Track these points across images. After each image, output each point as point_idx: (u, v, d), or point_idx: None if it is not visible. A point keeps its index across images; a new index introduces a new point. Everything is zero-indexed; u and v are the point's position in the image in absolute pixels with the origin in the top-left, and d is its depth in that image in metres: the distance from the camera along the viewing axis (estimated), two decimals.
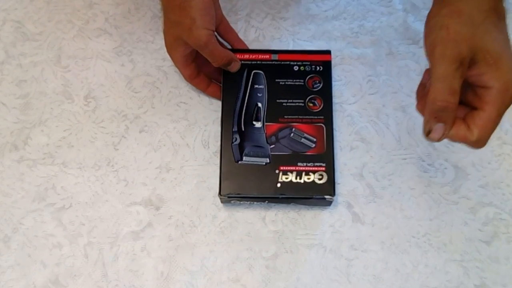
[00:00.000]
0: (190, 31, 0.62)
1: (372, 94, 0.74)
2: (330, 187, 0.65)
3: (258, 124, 0.67)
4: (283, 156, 0.66)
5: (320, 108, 0.68)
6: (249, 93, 0.69)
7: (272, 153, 0.66)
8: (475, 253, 0.66)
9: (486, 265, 0.66)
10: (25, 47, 0.78)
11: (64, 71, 0.77)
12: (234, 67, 0.69)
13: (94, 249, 0.68)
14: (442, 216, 0.68)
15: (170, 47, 0.68)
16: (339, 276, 0.66)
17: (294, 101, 0.68)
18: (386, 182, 0.70)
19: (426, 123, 0.49)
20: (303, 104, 0.68)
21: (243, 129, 0.67)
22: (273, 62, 0.70)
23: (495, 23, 0.46)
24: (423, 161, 0.70)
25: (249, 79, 0.69)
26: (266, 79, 0.69)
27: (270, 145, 0.67)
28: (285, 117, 0.68)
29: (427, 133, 0.49)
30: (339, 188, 0.69)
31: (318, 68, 0.70)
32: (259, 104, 0.68)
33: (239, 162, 0.66)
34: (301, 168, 0.66)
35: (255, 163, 0.66)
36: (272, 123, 0.68)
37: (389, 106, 0.73)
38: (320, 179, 0.65)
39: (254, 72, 0.69)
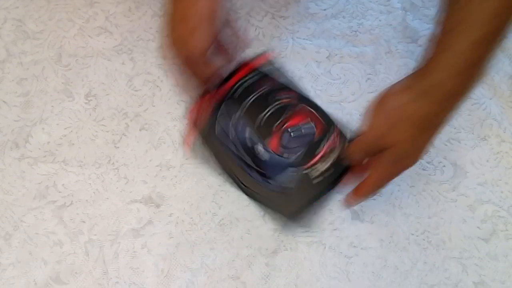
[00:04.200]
0: (194, 32, 0.60)
1: (371, 92, 0.74)
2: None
3: (262, 151, 0.67)
4: (300, 155, 0.66)
5: (291, 96, 0.68)
6: (234, 129, 0.67)
7: (290, 160, 0.66)
8: (474, 250, 0.67)
9: (484, 262, 0.66)
10: (26, 46, 0.78)
11: (64, 69, 0.77)
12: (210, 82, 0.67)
13: (95, 247, 0.68)
14: (441, 214, 0.68)
15: (171, 49, 0.64)
16: (338, 274, 0.66)
17: (268, 108, 0.68)
18: None
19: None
20: (278, 105, 0.68)
21: (257, 166, 0.66)
22: (231, 91, 0.69)
23: (425, 130, 0.56)
24: (422, 159, 0.71)
25: (225, 113, 0.67)
26: (235, 107, 0.68)
27: (284, 156, 0.66)
28: (274, 125, 0.67)
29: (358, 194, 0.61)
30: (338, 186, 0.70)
31: (258, 74, 0.69)
32: (247, 133, 0.67)
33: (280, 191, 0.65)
34: (321, 153, 0.66)
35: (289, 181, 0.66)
36: (269, 138, 0.67)
37: None
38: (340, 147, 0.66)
39: (224, 104, 0.68)
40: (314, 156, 0.65)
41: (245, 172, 0.65)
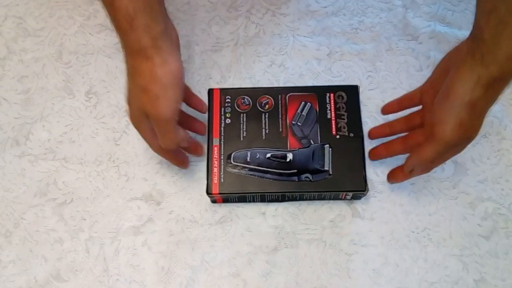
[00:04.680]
0: (157, 101, 0.56)
1: (372, 89, 0.74)
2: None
3: (282, 154, 0.67)
4: (318, 133, 0.68)
5: (267, 97, 0.70)
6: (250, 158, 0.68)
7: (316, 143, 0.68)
8: (474, 248, 0.67)
9: (485, 259, 0.66)
10: (26, 43, 0.78)
11: (65, 66, 0.77)
12: (183, 145, 0.64)
13: (95, 244, 0.68)
14: (442, 211, 0.68)
15: (136, 119, 0.61)
16: (339, 271, 0.66)
17: (263, 121, 0.69)
18: (385, 177, 0.70)
19: (410, 165, 0.63)
20: (267, 112, 0.70)
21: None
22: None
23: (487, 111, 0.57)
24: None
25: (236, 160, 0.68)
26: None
27: (305, 145, 0.68)
28: (280, 129, 0.69)
29: (409, 171, 0.64)
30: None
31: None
32: (259, 154, 0.68)
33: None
34: (333, 116, 0.69)
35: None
36: (285, 141, 0.68)
37: (389, 101, 0.73)
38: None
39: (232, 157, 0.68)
40: (330, 121, 0.68)
41: (287, 182, 0.66)
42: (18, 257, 0.68)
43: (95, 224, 0.69)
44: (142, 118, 0.59)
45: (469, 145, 0.70)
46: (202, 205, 0.69)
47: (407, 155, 0.63)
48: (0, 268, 0.67)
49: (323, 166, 0.66)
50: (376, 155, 0.69)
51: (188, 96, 0.68)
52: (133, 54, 0.56)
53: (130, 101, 0.60)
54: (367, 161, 0.69)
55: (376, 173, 0.70)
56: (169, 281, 0.66)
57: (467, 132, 0.56)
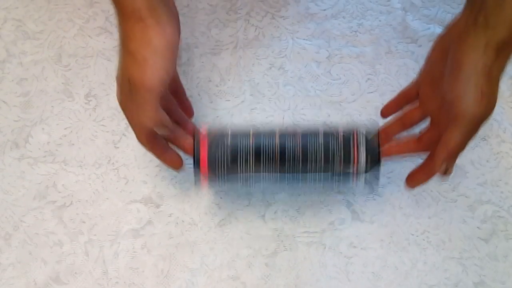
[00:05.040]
0: (144, 64, 0.52)
1: (371, 92, 0.74)
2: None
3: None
4: None
5: None
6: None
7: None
8: (474, 250, 0.67)
9: (484, 262, 0.66)
10: (25, 46, 0.78)
11: (64, 69, 0.77)
12: (161, 132, 0.58)
13: (95, 247, 0.68)
14: (441, 214, 0.68)
15: (124, 95, 0.56)
16: (338, 274, 0.66)
17: None
18: (385, 180, 0.70)
19: (442, 163, 0.55)
20: None
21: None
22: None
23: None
24: (422, 159, 0.70)
25: None
26: None
27: None
28: None
29: (445, 171, 0.56)
30: (338, 187, 0.70)
31: None
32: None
33: None
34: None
35: None
36: None
37: None
38: None
39: None
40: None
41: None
42: (17, 260, 0.67)
43: (94, 227, 0.69)
44: (129, 91, 0.54)
45: (468, 148, 0.70)
46: (201, 208, 0.69)
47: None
48: (0, 271, 0.67)
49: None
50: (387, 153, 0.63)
51: (179, 97, 0.66)
52: (126, 17, 0.52)
53: (118, 72, 0.56)
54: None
55: (375, 176, 0.70)
56: (168, 283, 0.66)
57: (490, 102, 0.51)
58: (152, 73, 0.52)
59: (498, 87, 0.51)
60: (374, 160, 0.60)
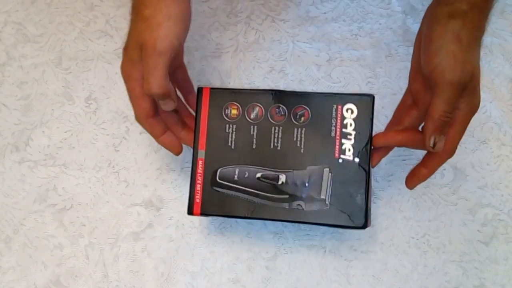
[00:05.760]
0: (157, 28, 0.53)
1: None
2: None
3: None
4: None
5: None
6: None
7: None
8: (474, 254, 0.67)
9: (485, 265, 0.66)
10: (26, 49, 0.79)
11: (65, 72, 0.77)
12: (167, 106, 0.58)
13: (95, 250, 0.68)
14: (441, 217, 0.68)
15: (128, 61, 0.56)
16: (338, 277, 0.66)
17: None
18: (385, 183, 0.70)
19: (430, 136, 0.54)
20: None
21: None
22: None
23: (478, 48, 0.54)
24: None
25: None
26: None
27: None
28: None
29: (433, 145, 0.54)
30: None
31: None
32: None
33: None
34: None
35: None
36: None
37: (388, 107, 0.73)
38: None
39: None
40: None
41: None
42: (17, 263, 0.68)
43: (94, 230, 0.69)
44: (136, 58, 0.55)
45: (468, 151, 0.70)
46: None
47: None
48: (0, 274, 0.67)
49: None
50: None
51: (183, 78, 0.64)
52: None
53: (128, 40, 0.56)
54: None
55: (375, 179, 0.70)
56: (168, 287, 0.66)
57: (466, 66, 0.51)
58: (165, 37, 0.53)
59: (474, 53, 0.53)
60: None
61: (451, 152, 0.56)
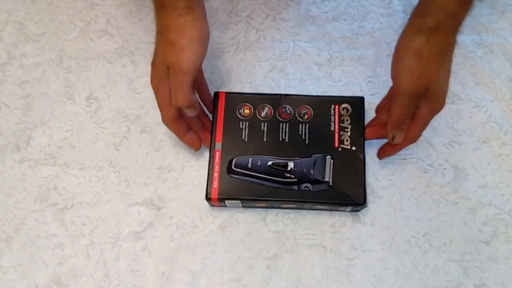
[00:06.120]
0: (182, 52, 0.60)
1: (372, 94, 0.74)
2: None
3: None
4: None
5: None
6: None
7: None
8: (475, 253, 0.67)
9: (485, 265, 0.66)
10: (27, 48, 0.79)
11: (65, 72, 0.77)
12: (191, 113, 0.65)
13: (96, 249, 0.68)
14: (442, 216, 0.68)
15: (158, 77, 0.63)
16: (339, 276, 0.66)
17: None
18: (386, 182, 0.70)
19: (389, 132, 0.64)
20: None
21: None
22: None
23: (443, 62, 0.59)
24: (423, 161, 0.71)
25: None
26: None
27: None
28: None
29: (392, 138, 0.64)
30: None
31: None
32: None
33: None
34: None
35: None
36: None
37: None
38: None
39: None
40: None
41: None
42: (18, 263, 0.67)
43: (95, 229, 0.69)
44: (164, 75, 0.62)
45: (469, 150, 0.70)
46: (202, 210, 0.69)
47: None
48: (1, 273, 0.67)
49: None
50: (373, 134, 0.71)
51: (203, 90, 0.72)
52: (168, 11, 0.60)
53: (155, 58, 0.63)
54: (367, 166, 0.69)
55: (376, 178, 0.70)
56: (169, 286, 0.66)
57: (421, 79, 0.58)
58: (189, 59, 0.60)
59: (434, 67, 0.58)
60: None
61: (413, 141, 0.65)
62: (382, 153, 0.70)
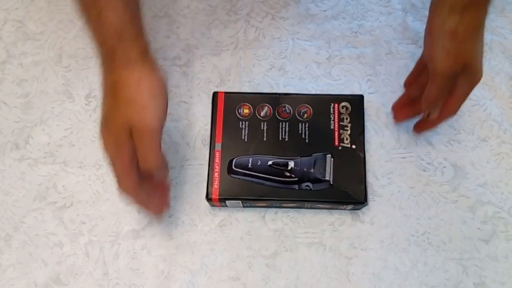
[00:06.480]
0: (144, 110, 0.54)
1: (372, 93, 0.74)
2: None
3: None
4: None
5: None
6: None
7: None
8: (474, 251, 0.67)
9: (485, 263, 0.66)
10: (26, 47, 0.78)
11: (65, 70, 0.77)
12: (162, 175, 0.62)
13: (95, 248, 0.68)
14: (441, 215, 0.68)
15: (116, 142, 0.56)
16: (338, 275, 0.66)
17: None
18: (385, 180, 0.70)
19: (425, 110, 0.63)
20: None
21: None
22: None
23: (478, 37, 0.58)
24: (422, 160, 0.71)
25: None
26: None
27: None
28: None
29: (427, 115, 0.63)
30: None
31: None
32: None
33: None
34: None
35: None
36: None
37: (388, 105, 0.73)
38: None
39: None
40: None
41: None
42: (17, 261, 0.67)
43: (94, 228, 0.69)
44: (124, 138, 0.55)
45: (468, 149, 0.70)
46: (201, 209, 0.69)
47: None
48: (0, 272, 0.67)
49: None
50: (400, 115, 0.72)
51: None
52: (120, 67, 0.55)
53: (109, 120, 0.56)
54: (367, 165, 0.69)
55: (375, 176, 0.70)
56: (168, 284, 0.66)
57: (458, 59, 0.57)
58: (154, 116, 0.55)
59: (470, 44, 0.58)
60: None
61: (451, 114, 0.64)
62: (419, 128, 0.70)
